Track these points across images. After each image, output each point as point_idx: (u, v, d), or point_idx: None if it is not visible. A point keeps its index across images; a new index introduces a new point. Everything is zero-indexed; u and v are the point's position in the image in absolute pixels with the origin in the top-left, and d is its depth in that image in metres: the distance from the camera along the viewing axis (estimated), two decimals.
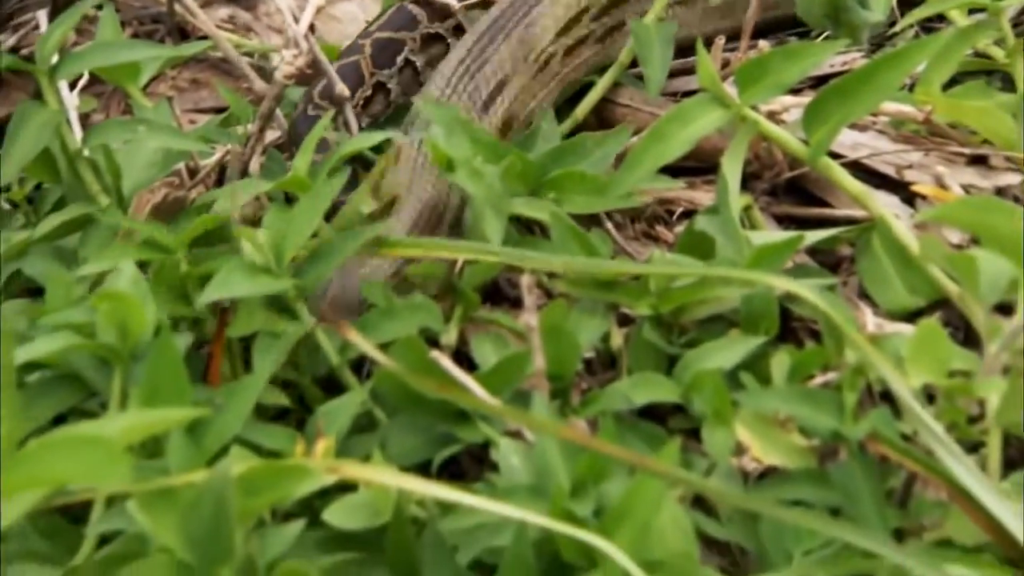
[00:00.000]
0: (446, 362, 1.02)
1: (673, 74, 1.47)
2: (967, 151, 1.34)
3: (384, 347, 1.01)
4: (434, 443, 1.03)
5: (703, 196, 1.35)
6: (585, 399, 1.06)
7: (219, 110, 1.60)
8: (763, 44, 1.40)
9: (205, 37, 1.51)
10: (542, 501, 0.91)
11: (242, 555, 0.86)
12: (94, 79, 1.62)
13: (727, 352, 1.06)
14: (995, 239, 1.04)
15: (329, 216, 1.15)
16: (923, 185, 1.30)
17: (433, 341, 1.09)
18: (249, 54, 1.64)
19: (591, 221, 1.27)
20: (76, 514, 0.98)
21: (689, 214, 1.32)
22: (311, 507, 0.94)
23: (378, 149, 1.28)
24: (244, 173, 1.31)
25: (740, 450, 1.01)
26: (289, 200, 1.25)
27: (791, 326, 1.16)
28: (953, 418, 0.98)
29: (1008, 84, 1.40)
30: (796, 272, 1.17)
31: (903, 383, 0.97)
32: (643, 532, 0.88)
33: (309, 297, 1.10)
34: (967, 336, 1.13)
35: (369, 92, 1.50)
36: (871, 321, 1.13)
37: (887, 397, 1.01)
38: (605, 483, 0.92)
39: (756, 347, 1.07)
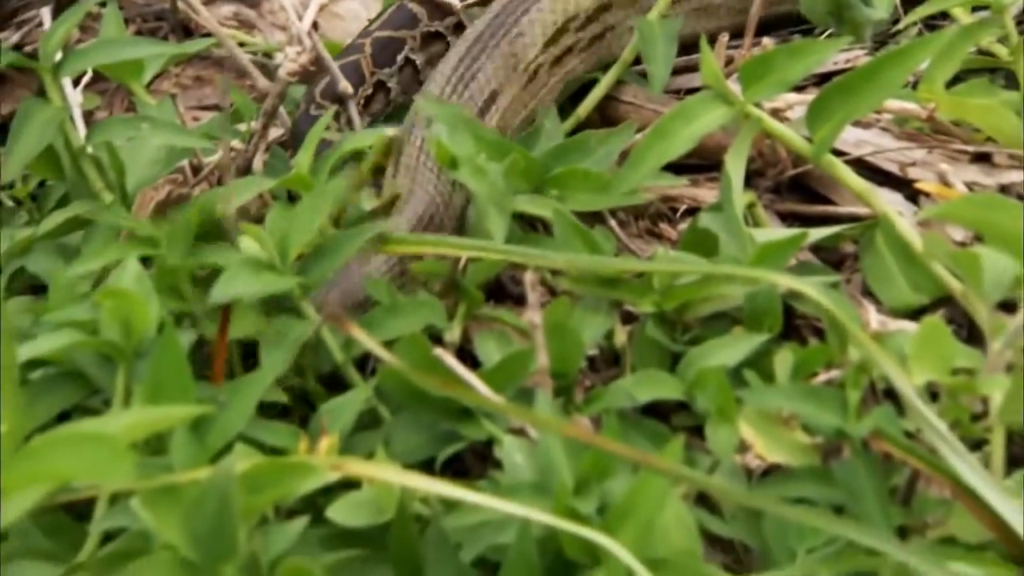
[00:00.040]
0: (450, 359, 1.02)
1: (676, 71, 1.47)
2: (970, 149, 1.34)
3: (388, 344, 1.01)
4: (438, 440, 1.03)
5: (707, 193, 1.35)
6: (589, 396, 1.06)
7: (222, 108, 1.60)
8: (767, 41, 1.40)
9: (208, 34, 1.51)
10: (546, 498, 0.91)
11: (245, 552, 0.86)
12: (98, 76, 1.62)
13: (731, 349, 1.06)
14: (998, 236, 1.04)
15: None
16: (926, 182, 1.30)
17: (437, 338, 1.09)
18: (252, 51, 1.64)
19: (594, 218, 1.27)
20: (80, 511, 0.98)
21: (693, 211, 1.32)
22: (315, 504, 0.94)
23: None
24: (248, 170, 1.31)
25: (744, 448, 1.01)
26: (292, 198, 1.25)
27: (794, 323, 1.16)
28: (956, 416, 0.98)
29: (1011, 82, 1.39)
30: (799, 269, 1.17)
31: (906, 381, 0.97)
32: (647, 530, 0.88)
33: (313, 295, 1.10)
34: (970, 334, 1.13)
35: (370, 91, 1.50)
36: (874, 318, 1.13)
37: (890, 395, 1.01)
38: (609, 480, 0.92)
39: (760, 344, 1.07)
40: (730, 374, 1.03)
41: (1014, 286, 1.03)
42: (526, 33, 1.42)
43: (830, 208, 1.33)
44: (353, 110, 1.44)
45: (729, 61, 1.45)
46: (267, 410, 1.06)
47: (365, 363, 1.11)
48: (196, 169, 1.35)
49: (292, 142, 1.43)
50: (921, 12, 1.41)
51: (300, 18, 1.54)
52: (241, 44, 1.61)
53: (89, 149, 1.25)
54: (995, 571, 0.90)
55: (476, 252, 1.14)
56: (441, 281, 1.15)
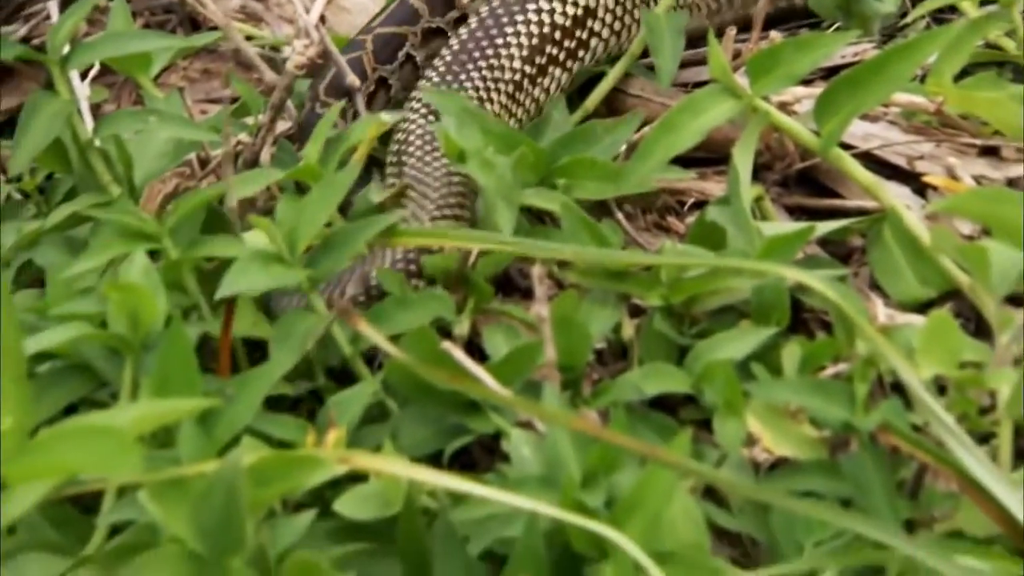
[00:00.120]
0: (458, 353, 1.02)
1: (684, 64, 1.46)
2: (978, 142, 1.34)
3: (396, 338, 1.01)
4: (445, 434, 1.03)
5: (714, 187, 1.35)
6: (596, 390, 1.06)
7: (230, 100, 1.60)
8: (774, 35, 1.40)
9: (216, 28, 1.51)
10: (553, 492, 0.90)
11: (253, 545, 0.86)
12: (105, 69, 1.62)
13: (738, 343, 1.06)
14: (1006, 230, 1.04)
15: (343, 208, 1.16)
16: (934, 176, 1.30)
17: (445, 332, 1.09)
18: (260, 45, 1.64)
19: (602, 212, 1.27)
20: (87, 504, 0.98)
21: (700, 205, 1.32)
22: (322, 498, 0.94)
23: (384, 138, 1.29)
24: (255, 164, 1.31)
25: (751, 441, 1.01)
26: (300, 190, 1.25)
27: (802, 317, 1.16)
28: (964, 409, 0.98)
29: (1019, 75, 1.39)
30: (807, 263, 1.17)
31: (914, 374, 0.97)
32: (654, 523, 0.88)
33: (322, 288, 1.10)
34: (978, 327, 1.13)
35: (372, 88, 1.50)
36: (882, 312, 1.13)
37: (898, 388, 1.01)
38: (616, 474, 0.92)
39: (767, 338, 1.06)
40: (738, 367, 1.03)
41: (1022, 280, 1.03)
42: (507, 46, 1.41)
43: (838, 202, 1.33)
44: (361, 104, 1.44)
45: (737, 55, 1.45)
46: (275, 403, 1.07)
47: (373, 356, 1.11)
48: (204, 162, 1.35)
49: (300, 136, 1.43)
50: (928, 5, 1.40)
51: (307, 11, 1.54)
52: (248, 37, 1.61)
53: (97, 142, 1.24)
54: (1002, 565, 0.90)
55: (484, 244, 1.14)
56: (450, 275, 1.15)
